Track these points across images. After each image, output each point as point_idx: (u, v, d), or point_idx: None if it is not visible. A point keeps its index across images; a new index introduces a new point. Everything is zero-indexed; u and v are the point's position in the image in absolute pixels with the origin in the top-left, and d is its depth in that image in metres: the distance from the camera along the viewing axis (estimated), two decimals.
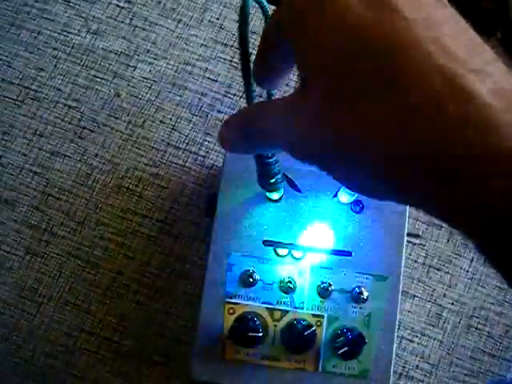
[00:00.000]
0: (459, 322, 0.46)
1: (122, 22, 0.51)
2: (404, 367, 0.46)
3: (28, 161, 0.48)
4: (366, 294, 0.38)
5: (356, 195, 0.39)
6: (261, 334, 0.36)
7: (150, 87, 0.50)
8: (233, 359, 0.38)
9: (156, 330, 0.46)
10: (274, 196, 0.38)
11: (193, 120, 0.49)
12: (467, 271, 0.47)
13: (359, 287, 0.38)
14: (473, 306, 0.47)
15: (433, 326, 0.46)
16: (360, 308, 0.38)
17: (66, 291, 0.46)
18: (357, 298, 0.38)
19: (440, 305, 0.47)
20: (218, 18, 0.51)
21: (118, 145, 0.48)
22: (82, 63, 0.50)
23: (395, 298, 0.38)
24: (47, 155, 0.48)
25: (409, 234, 0.41)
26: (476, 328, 0.46)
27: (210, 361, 0.38)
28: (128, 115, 0.49)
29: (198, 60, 0.50)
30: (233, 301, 0.38)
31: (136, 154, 0.48)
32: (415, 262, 0.47)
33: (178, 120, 0.49)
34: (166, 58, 0.50)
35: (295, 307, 0.38)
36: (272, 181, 0.35)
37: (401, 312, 0.46)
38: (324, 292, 0.38)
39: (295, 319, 0.38)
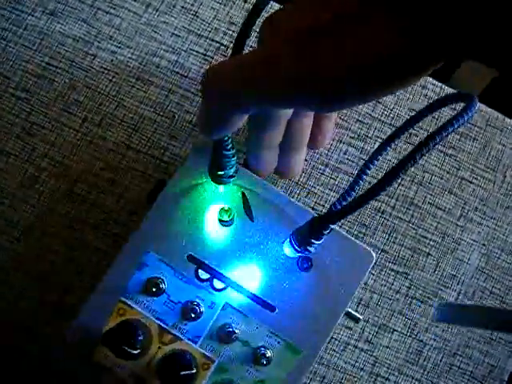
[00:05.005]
0: (441, 360, 0.42)
1: (83, 2, 0.45)
2: None
3: None
4: (269, 357, 0.33)
5: (298, 254, 0.34)
6: (136, 352, 0.31)
7: (110, 80, 0.44)
8: (99, 362, 0.33)
9: None
10: (220, 189, 0.35)
11: (157, 120, 0.43)
12: None
13: (265, 348, 0.34)
14: (457, 343, 0.42)
15: (412, 363, 0.42)
16: (256, 370, 0.34)
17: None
18: (258, 358, 0.33)
19: (421, 340, 0.42)
20: (192, 5, 0.45)
21: (72, 145, 0.43)
22: (34, 48, 0.44)
23: (299, 378, 0.34)
24: None
25: (348, 314, 0.36)
26: (458, 367, 0.42)
27: (73, 351, 0.34)
28: (84, 111, 0.43)
29: (166, 51, 0.44)
30: (128, 302, 0.34)
31: (91, 157, 0.43)
32: (397, 292, 0.42)
33: (141, 119, 0.43)
34: (130, 47, 0.44)
35: (189, 338, 0.34)
36: (220, 173, 0.33)
37: (378, 347, 0.42)
38: (226, 337, 0.33)
39: (182, 351, 0.33)
